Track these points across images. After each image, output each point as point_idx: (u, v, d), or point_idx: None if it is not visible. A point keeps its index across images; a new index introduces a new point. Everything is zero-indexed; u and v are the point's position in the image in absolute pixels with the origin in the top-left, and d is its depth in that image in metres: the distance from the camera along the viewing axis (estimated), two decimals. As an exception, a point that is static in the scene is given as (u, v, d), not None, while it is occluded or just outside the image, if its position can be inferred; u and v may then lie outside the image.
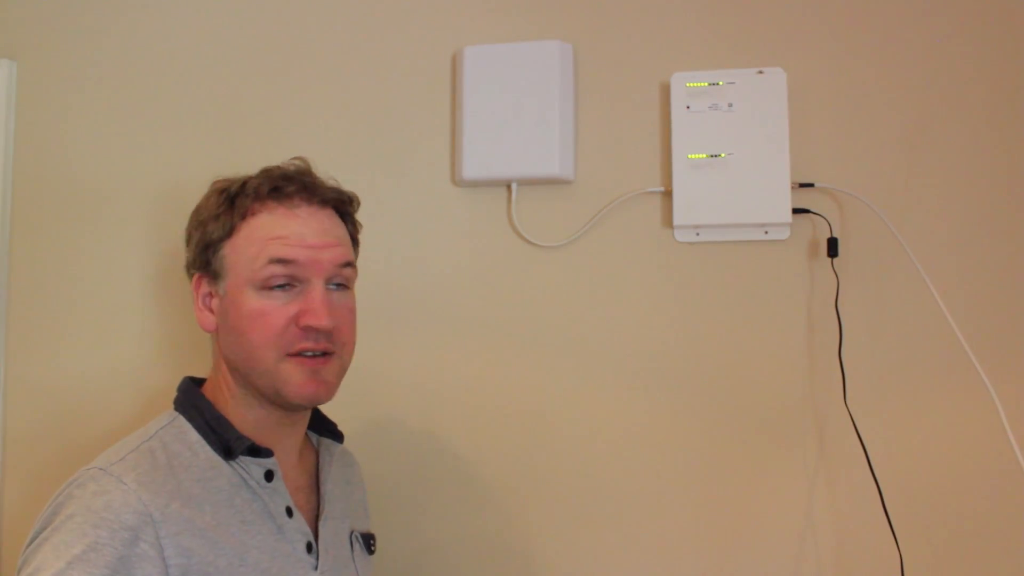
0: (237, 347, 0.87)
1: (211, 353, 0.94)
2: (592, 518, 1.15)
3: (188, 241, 0.92)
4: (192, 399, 0.89)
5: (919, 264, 1.05)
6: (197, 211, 0.92)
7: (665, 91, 1.15)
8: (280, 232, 0.87)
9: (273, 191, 0.88)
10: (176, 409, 0.90)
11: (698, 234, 1.14)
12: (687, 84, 1.13)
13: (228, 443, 0.85)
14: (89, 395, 1.28)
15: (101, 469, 0.80)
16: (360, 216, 1.21)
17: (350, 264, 0.92)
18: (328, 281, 0.89)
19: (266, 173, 0.91)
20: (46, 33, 1.34)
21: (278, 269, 0.85)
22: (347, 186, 1.22)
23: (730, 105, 1.12)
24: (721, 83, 1.12)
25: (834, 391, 1.09)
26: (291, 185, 0.89)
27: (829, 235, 1.10)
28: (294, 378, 0.86)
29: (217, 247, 0.88)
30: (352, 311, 0.93)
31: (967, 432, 1.07)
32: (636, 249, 1.16)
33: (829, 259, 1.09)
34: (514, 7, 1.21)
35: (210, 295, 0.90)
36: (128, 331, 1.27)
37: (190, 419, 0.87)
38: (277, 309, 0.86)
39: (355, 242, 0.97)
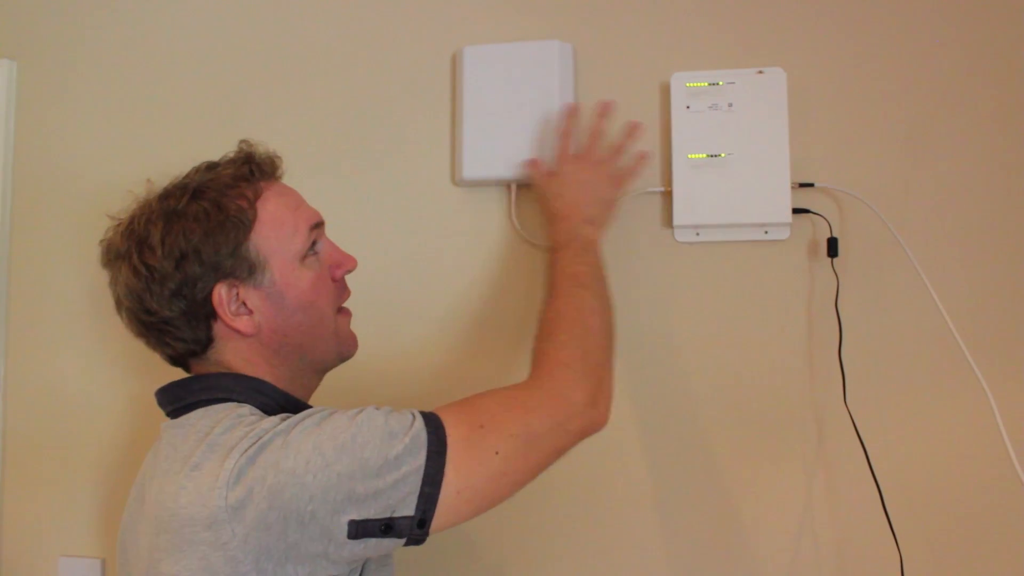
0: (305, 323, 0.89)
1: (216, 361, 0.91)
2: (589, 517, 1.15)
3: (179, 265, 0.84)
4: (254, 385, 0.86)
5: (919, 264, 1.05)
6: (186, 232, 0.85)
7: (665, 91, 1.15)
8: (293, 202, 0.91)
9: (273, 169, 0.93)
10: (233, 400, 0.84)
11: (698, 234, 1.14)
12: (687, 84, 1.13)
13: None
14: (89, 396, 1.28)
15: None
16: (360, 216, 1.22)
17: None
18: None
19: (246, 157, 0.91)
20: (46, 33, 1.34)
21: (317, 233, 0.91)
22: (347, 186, 1.23)
23: (730, 105, 1.12)
24: (721, 83, 1.12)
25: (834, 391, 1.09)
26: (280, 161, 0.94)
27: (829, 235, 1.10)
28: (346, 332, 0.95)
29: (244, 244, 0.85)
30: None
31: (966, 432, 1.07)
32: (636, 249, 1.16)
33: (829, 259, 1.09)
34: (514, 7, 1.21)
35: (238, 297, 0.86)
36: (128, 331, 1.27)
37: (261, 406, 0.84)
38: (321, 271, 0.91)
39: None
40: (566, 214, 1.04)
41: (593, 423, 0.88)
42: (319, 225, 0.92)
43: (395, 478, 0.75)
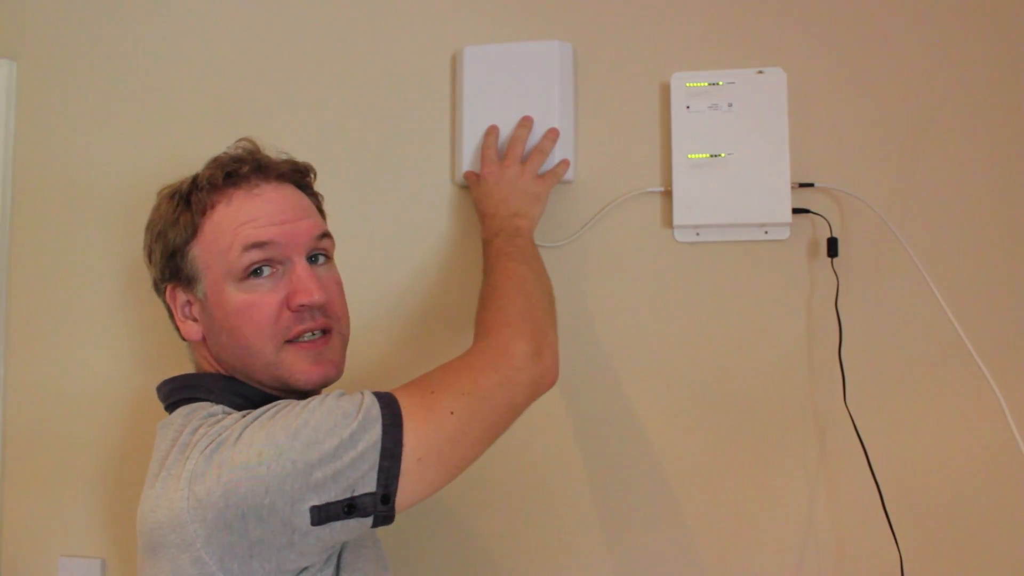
0: (231, 347, 0.85)
1: (192, 359, 0.94)
2: (589, 517, 1.15)
3: (150, 258, 0.90)
4: (233, 387, 0.86)
5: (919, 264, 1.05)
6: (151, 225, 0.90)
7: (665, 91, 1.15)
8: (246, 216, 0.84)
9: (228, 177, 0.86)
10: (209, 400, 0.84)
11: (698, 234, 1.14)
12: (687, 84, 1.13)
13: None
14: (89, 395, 1.28)
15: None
16: (360, 215, 1.22)
17: (326, 235, 0.91)
18: (308, 255, 0.87)
19: (215, 162, 0.88)
20: (46, 33, 1.34)
21: (256, 255, 0.83)
22: (347, 185, 1.23)
23: (730, 105, 1.12)
24: (721, 83, 1.12)
25: (834, 391, 1.08)
26: (244, 166, 0.87)
27: (829, 235, 1.10)
28: (298, 364, 0.85)
29: (184, 251, 0.85)
30: (339, 283, 0.92)
31: (967, 432, 1.07)
32: (636, 249, 1.16)
33: (829, 259, 1.09)
34: (514, 7, 1.21)
35: (188, 303, 0.87)
36: (129, 331, 1.28)
37: (236, 408, 0.83)
38: (264, 297, 0.83)
39: (322, 213, 0.96)
40: (492, 212, 1.07)
41: (542, 375, 0.87)
42: (260, 245, 0.83)
43: (352, 456, 0.74)
